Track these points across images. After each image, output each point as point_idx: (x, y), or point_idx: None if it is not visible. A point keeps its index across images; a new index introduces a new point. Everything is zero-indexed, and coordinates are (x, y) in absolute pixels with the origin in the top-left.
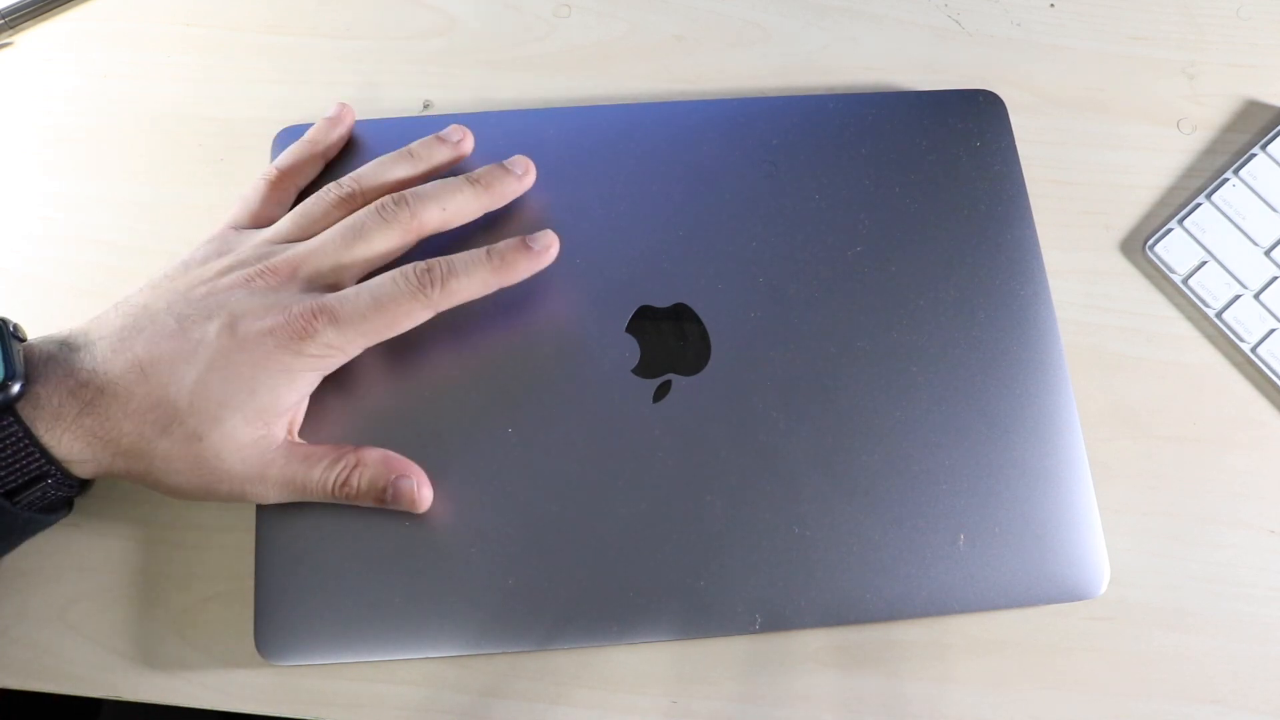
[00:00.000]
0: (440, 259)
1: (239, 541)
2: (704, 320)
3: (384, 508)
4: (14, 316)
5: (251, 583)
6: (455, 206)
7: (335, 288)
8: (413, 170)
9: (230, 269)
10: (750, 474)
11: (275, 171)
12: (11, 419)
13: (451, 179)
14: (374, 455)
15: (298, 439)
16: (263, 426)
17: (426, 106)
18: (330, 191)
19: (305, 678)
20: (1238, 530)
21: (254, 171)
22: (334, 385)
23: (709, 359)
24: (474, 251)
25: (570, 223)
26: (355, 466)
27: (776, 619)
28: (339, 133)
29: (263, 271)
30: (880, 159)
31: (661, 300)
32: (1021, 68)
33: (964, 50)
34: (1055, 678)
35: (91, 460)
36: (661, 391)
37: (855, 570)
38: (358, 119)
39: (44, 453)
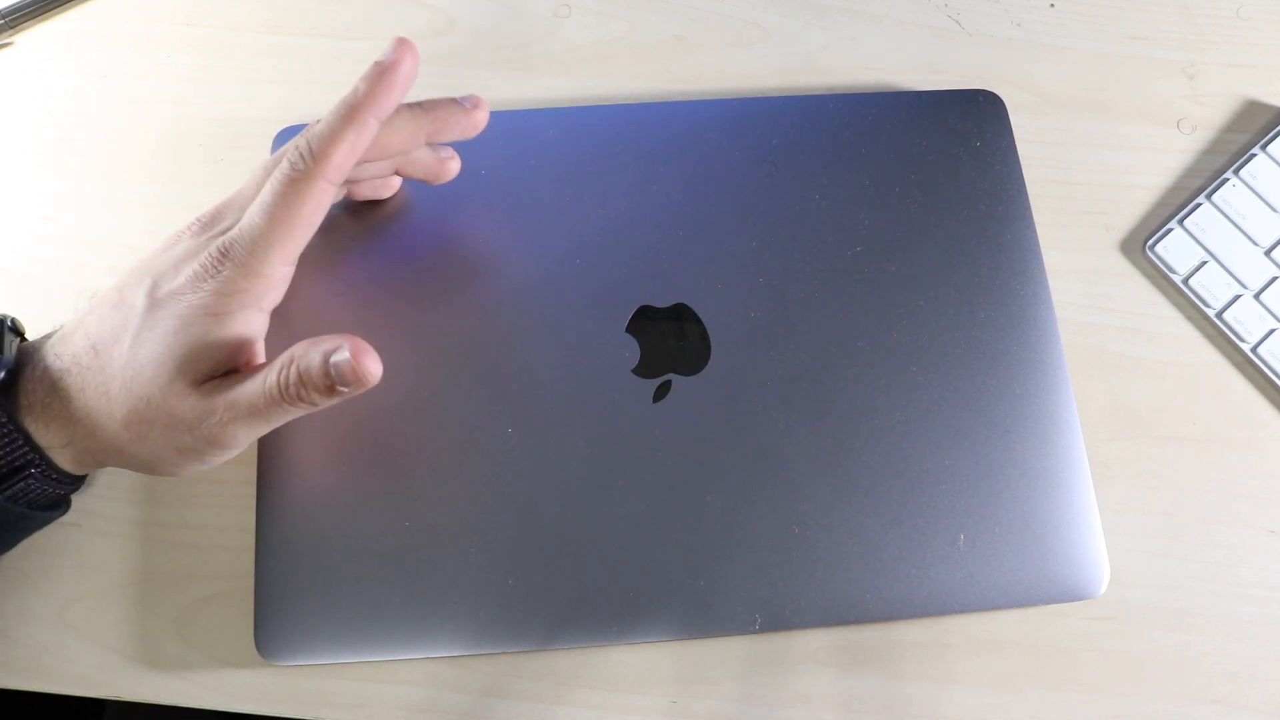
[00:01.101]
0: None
1: (239, 541)
2: (704, 320)
3: (342, 397)
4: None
5: (251, 583)
6: (372, 136)
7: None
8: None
9: (171, 236)
10: (750, 474)
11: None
12: None
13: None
14: (301, 344)
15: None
16: (201, 371)
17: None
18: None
19: (305, 678)
20: (1238, 530)
21: None
22: None
23: (709, 359)
24: (335, 105)
25: (570, 223)
26: (290, 364)
27: (776, 619)
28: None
29: (190, 225)
30: (880, 159)
31: (661, 300)
32: (1021, 68)
33: (964, 50)
34: (1055, 678)
35: (69, 445)
36: (661, 391)
37: (855, 570)
38: None
39: (27, 439)
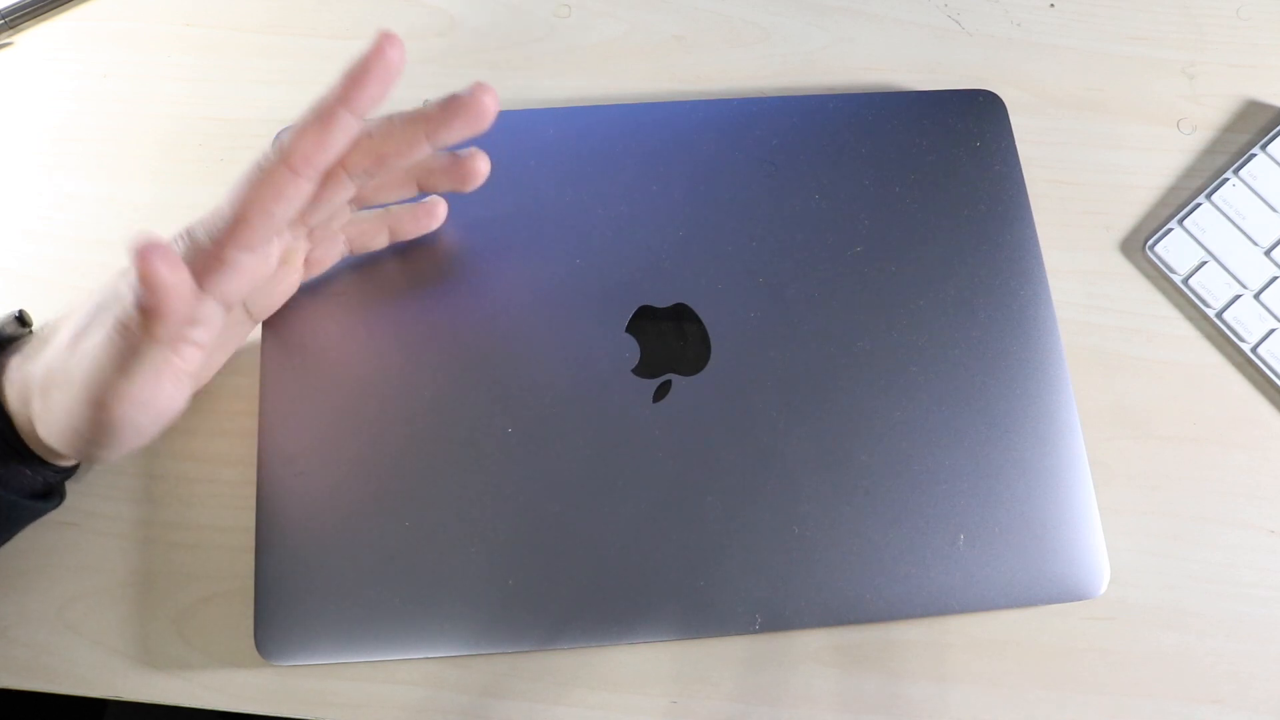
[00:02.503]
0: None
1: (239, 541)
2: (704, 320)
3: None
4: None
5: (251, 583)
6: (359, 129)
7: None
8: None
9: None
10: (750, 474)
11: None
12: None
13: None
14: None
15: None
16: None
17: (426, 103)
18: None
19: (305, 678)
20: (1238, 530)
21: None
22: (333, 384)
23: (709, 359)
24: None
25: (570, 223)
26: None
27: (776, 619)
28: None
29: (178, 235)
30: (880, 159)
31: (661, 300)
32: (1021, 68)
33: (964, 50)
34: (1055, 678)
35: (40, 412)
36: (661, 391)
37: (855, 570)
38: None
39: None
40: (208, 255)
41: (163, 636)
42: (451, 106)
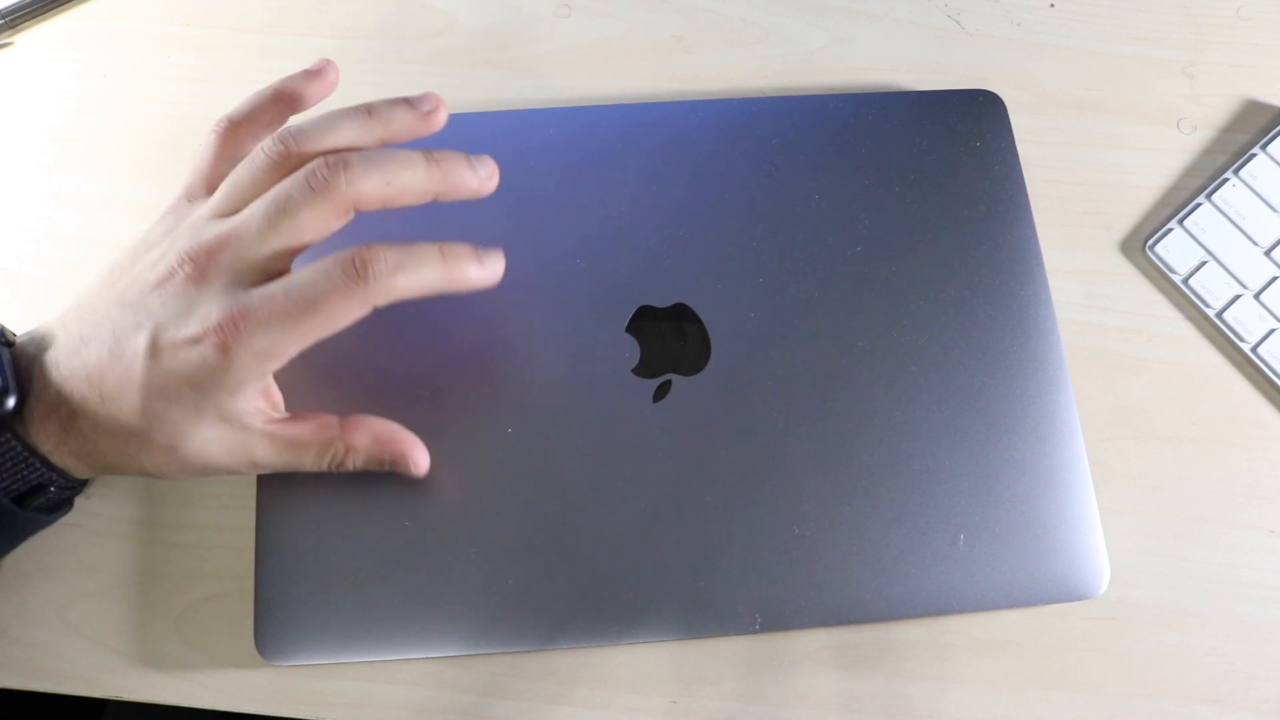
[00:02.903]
0: (383, 247)
1: (239, 541)
2: (704, 320)
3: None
4: (15, 317)
5: (251, 583)
6: (402, 183)
7: (265, 274)
8: (365, 134)
9: (162, 257)
10: (750, 474)
11: (225, 121)
12: (9, 434)
13: (401, 149)
14: (363, 438)
15: (280, 414)
16: (228, 427)
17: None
18: (261, 152)
19: (305, 678)
20: (1238, 530)
21: None
22: (333, 385)
23: (709, 359)
24: (424, 246)
25: (570, 223)
26: (346, 454)
27: (776, 619)
28: (316, 88)
29: (184, 261)
30: (880, 159)
31: (661, 300)
32: (1021, 68)
33: (964, 50)
34: (1055, 677)
35: (84, 467)
36: (661, 391)
37: (855, 570)
38: None
39: (43, 461)
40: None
41: (163, 636)
42: (402, 116)
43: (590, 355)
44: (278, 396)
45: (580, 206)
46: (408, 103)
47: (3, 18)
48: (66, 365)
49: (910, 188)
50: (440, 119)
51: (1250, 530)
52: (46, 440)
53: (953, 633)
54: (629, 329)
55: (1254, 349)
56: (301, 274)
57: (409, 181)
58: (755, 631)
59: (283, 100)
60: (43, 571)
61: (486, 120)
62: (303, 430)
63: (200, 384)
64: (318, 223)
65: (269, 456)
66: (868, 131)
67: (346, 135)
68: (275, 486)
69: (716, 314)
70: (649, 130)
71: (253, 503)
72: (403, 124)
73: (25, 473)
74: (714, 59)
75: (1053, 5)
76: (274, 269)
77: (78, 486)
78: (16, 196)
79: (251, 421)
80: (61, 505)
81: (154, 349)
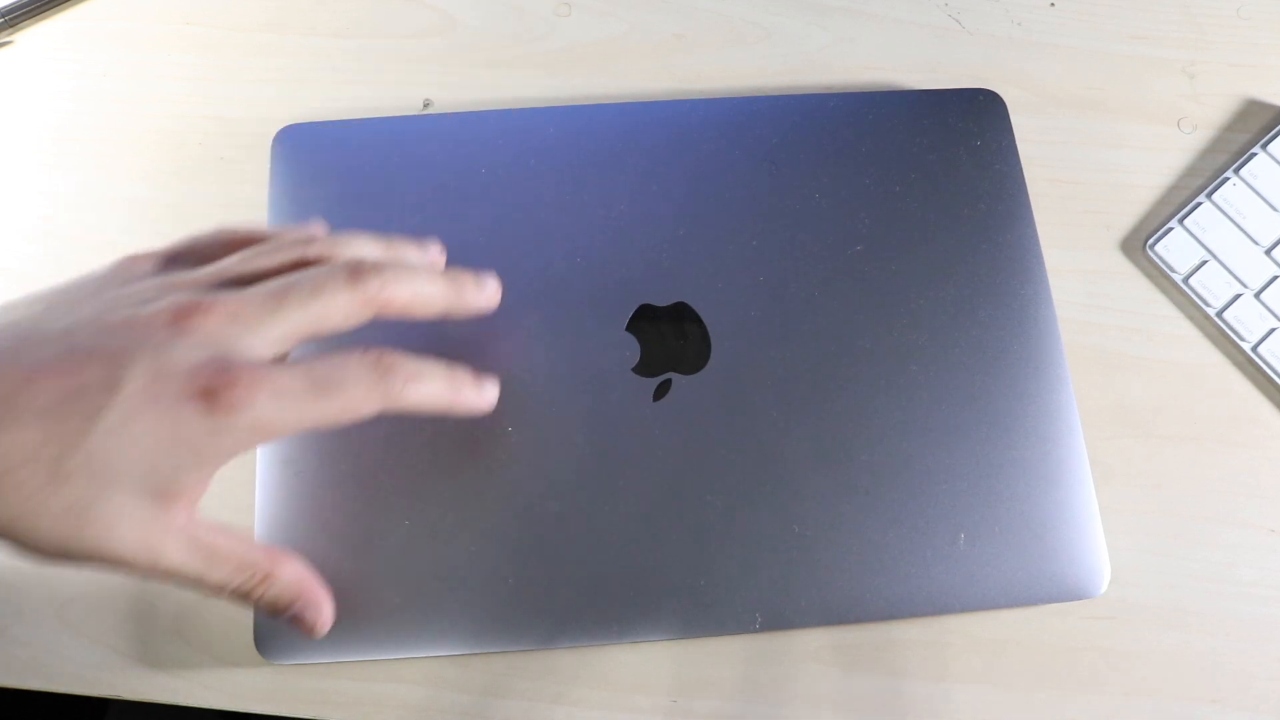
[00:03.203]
0: (402, 355)
1: None
2: (704, 319)
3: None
4: None
5: None
6: (423, 297)
7: (271, 351)
8: (383, 254)
9: (161, 294)
10: (750, 473)
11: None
12: None
13: (420, 268)
14: (289, 575)
15: (197, 520)
16: (158, 507)
17: (426, 105)
18: (283, 240)
19: (305, 677)
20: (1238, 530)
21: (254, 171)
22: None
23: (709, 358)
24: (435, 364)
25: (570, 222)
26: (263, 581)
27: (777, 618)
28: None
29: (198, 307)
30: (880, 159)
31: (662, 299)
32: (1021, 67)
33: (964, 50)
34: (1055, 677)
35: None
36: (661, 391)
37: (855, 570)
38: (359, 118)
39: None
40: None
41: (163, 636)
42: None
43: (590, 354)
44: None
45: (580, 206)
46: (417, 247)
47: (2, 17)
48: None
49: (910, 187)
50: (441, 264)
51: (1250, 530)
52: None
53: (953, 632)
54: (629, 328)
55: (1254, 348)
56: (320, 359)
57: (429, 295)
58: (755, 631)
59: (231, 246)
60: (43, 571)
61: (487, 120)
62: (226, 541)
63: (177, 433)
64: (344, 313)
65: (176, 557)
66: (868, 131)
67: (364, 251)
68: (275, 486)
69: (716, 313)
70: (649, 130)
71: (253, 502)
72: (412, 259)
73: None
74: (714, 58)
75: (1053, 4)
76: (279, 350)
77: None
78: (15, 196)
79: (179, 509)
80: None
81: (148, 379)
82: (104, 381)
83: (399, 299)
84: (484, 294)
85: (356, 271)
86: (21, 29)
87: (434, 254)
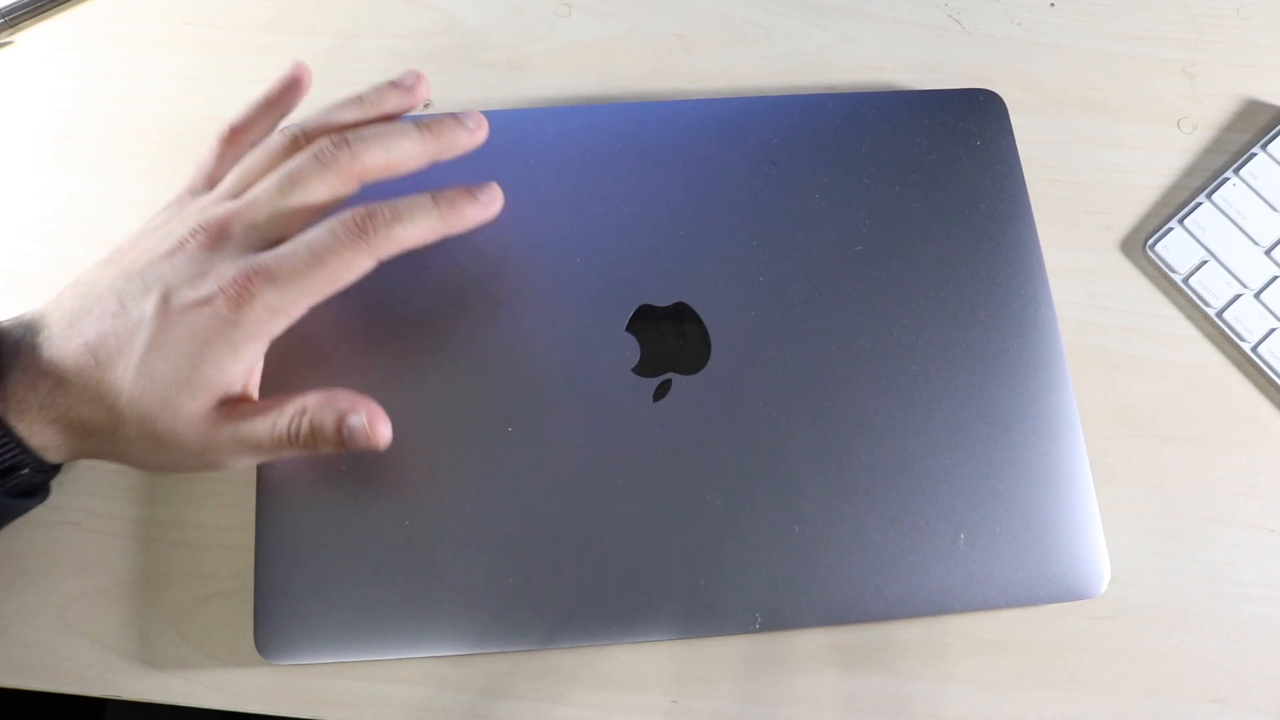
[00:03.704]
0: (381, 203)
1: (239, 541)
2: (704, 319)
3: (348, 450)
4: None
5: (251, 582)
6: (400, 151)
7: (276, 242)
8: (361, 115)
9: (171, 232)
10: (750, 474)
11: (228, 128)
12: None
13: (396, 123)
14: (316, 398)
15: (248, 406)
16: (211, 399)
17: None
18: (273, 140)
19: (305, 677)
20: (1238, 530)
21: None
22: (331, 383)
23: (709, 358)
24: (417, 196)
25: (570, 222)
26: (302, 414)
27: (777, 618)
28: (296, 94)
29: (195, 231)
30: (880, 159)
31: (662, 299)
32: (1021, 67)
33: (964, 50)
34: (1055, 677)
35: (63, 446)
36: (661, 391)
37: (855, 570)
38: None
39: (18, 443)
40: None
41: (163, 636)
42: (457, 134)
43: (590, 354)
44: (256, 387)
45: (580, 206)
46: (392, 84)
47: (2, 17)
48: (61, 338)
49: (910, 187)
50: (422, 91)
51: (1250, 530)
52: (22, 420)
53: (953, 633)
54: (629, 328)
55: (1254, 348)
56: (308, 234)
57: (407, 149)
58: (755, 631)
59: (273, 109)
60: (43, 571)
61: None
62: (265, 402)
63: (208, 340)
64: (325, 191)
65: (234, 430)
66: (868, 131)
67: (344, 117)
68: (275, 486)
69: (716, 313)
70: (649, 130)
71: (253, 503)
72: (391, 102)
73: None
74: (714, 59)
75: (1053, 4)
76: (284, 234)
77: (51, 471)
78: (16, 196)
79: (232, 396)
80: (37, 491)
81: (164, 309)
82: (134, 321)
83: (374, 164)
84: (467, 129)
85: (327, 153)
86: (22, 29)
87: (410, 87)
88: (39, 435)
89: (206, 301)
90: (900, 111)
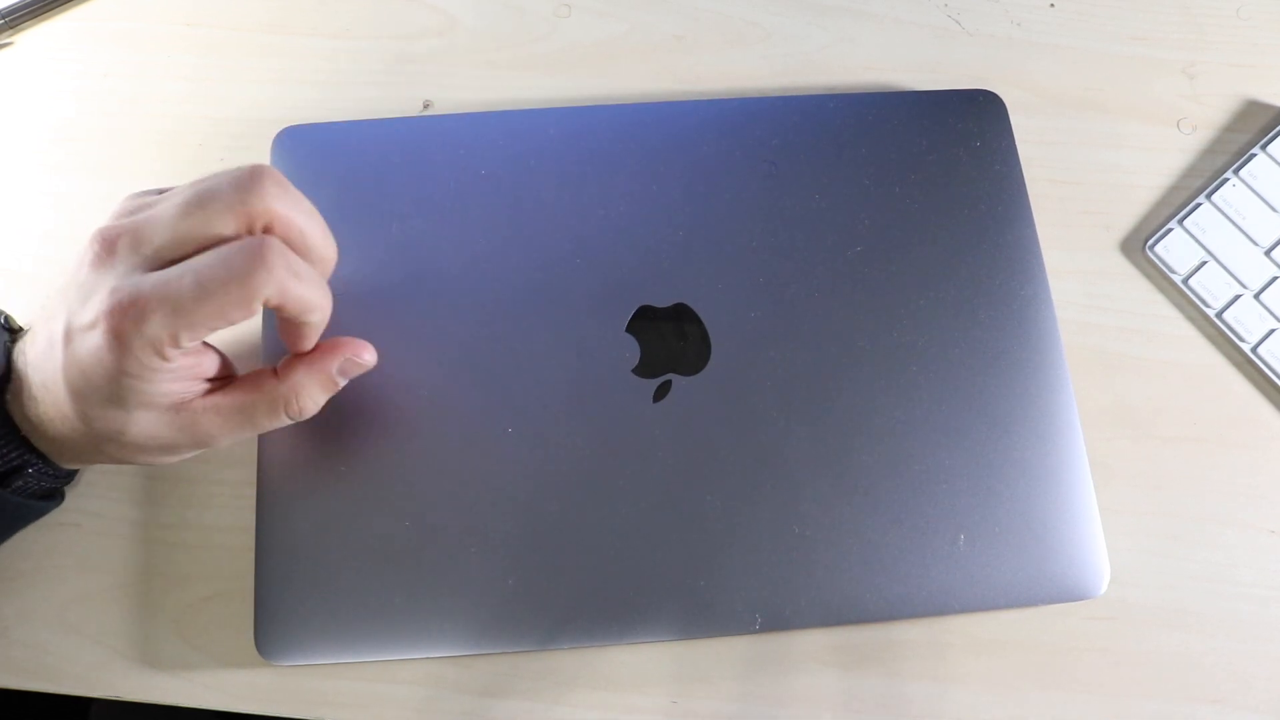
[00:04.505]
0: (278, 248)
1: (239, 541)
2: (704, 320)
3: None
4: (17, 316)
5: (251, 583)
6: (305, 207)
7: (166, 261)
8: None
9: (89, 241)
10: (750, 474)
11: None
12: None
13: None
14: (300, 373)
15: (208, 402)
16: (161, 411)
17: (426, 106)
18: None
19: (305, 678)
20: (1238, 531)
21: None
22: None
23: (709, 359)
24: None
25: (570, 223)
26: (296, 396)
27: (776, 619)
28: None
29: (94, 240)
30: (880, 159)
31: (661, 300)
32: (1021, 68)
33: (964, 50)
34: (1055, 677)
35: (69, 448)
36: (661, 391)
37: (855, 570)
38: (360, 118)
39: (23, 441)
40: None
41: (163, 636)
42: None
43: (590, 355)
44: (212, 368)
45: (580, 206)
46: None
47: (3, 18)
48: (39, 340)
49: (910, 188)
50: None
51: (1250, 530)
52: (25, 422)
53: (953, 633)
54: (629, 329)
55: (1254, 349)
56: (202, 258)
57: (307, 208)
58: (755, 631)
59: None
60: (43, 571)
61: (487, 121)
62: (242, 394)
63: (105, 373)
64: (227, 218)
65: (221, 429)
66: (868, 131)
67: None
68: (275, 486)
69: (716, 314)
70: (649, 130)
71: (253, 503)
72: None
73: (4, 450)
74: (714, 59)
75: (1053, 5)
76: (176, 256)
77: (62, 475)
78: (17, 196)
79: (182, 401)
80: (52, 495)
81: (67, 336)
82: (52, 342)
83: (281, 210)
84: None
85: (243, 181)
86: (23, 29)
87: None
88: (39, 440)
89: (90, 328)
90: (900, 112)
